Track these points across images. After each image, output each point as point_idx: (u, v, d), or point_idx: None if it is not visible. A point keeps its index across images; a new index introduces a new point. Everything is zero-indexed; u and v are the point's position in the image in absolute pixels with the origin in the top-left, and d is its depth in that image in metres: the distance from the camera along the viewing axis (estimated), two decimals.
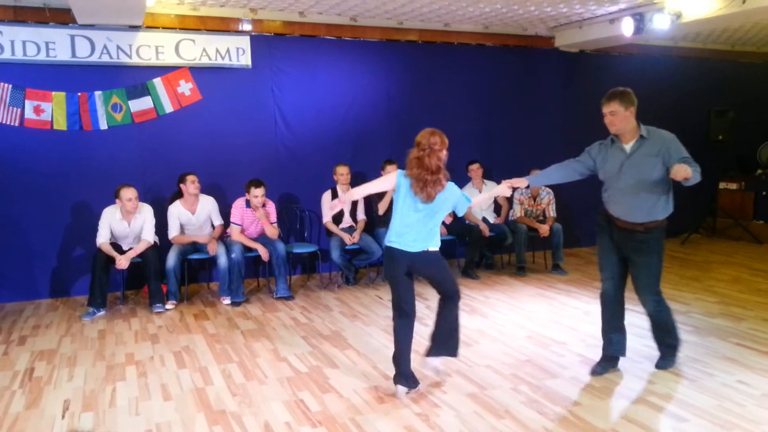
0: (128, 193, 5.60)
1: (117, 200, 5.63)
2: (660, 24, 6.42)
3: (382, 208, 6.67)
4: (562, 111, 8.21)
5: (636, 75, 8.51)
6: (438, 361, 4.12)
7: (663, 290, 6.22)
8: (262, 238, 6.16)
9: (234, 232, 6.07)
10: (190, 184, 5.93)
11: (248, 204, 6.07)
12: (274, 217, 6.22)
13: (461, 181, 7.29)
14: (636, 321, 5.10)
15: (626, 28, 6.77)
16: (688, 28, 7.20)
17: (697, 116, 8.75)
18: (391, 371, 4.09)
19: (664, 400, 3.59)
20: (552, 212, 7.07)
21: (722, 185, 9.13)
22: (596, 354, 4.35)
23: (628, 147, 3.85)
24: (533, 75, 8.02)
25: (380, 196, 6.71)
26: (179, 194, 6.00)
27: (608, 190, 3.96)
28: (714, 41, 8.78)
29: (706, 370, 4.04)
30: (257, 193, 5.94)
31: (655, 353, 4.34)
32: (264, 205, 6.06)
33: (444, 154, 3.71)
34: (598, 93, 8.85)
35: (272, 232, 6.09)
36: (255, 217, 6.06)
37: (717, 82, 9.01)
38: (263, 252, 5.98)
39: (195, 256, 5.96)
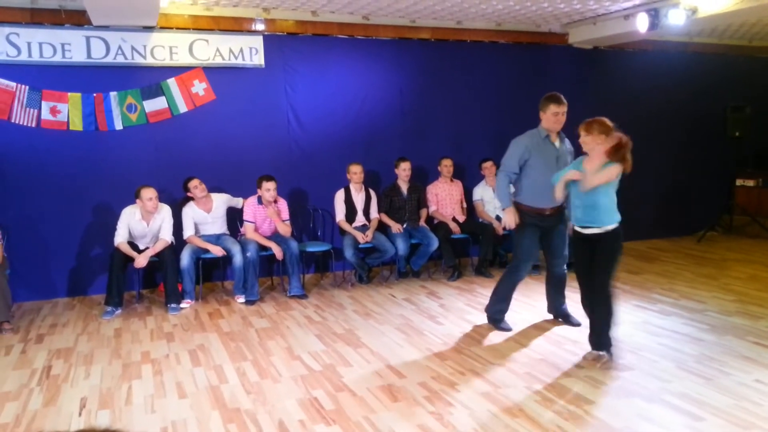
0: (149, 193, 5.65)
1: (137, 200, 5.68)
2: (675, 19, 6.35)
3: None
4: (576, 108, 8.03)
5: (651, 71, 8.46)
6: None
7: (679, 288, 6.21)
8: (275, 236, 6.19)
9: (248, 229, 6.11)
10: (194, 189, 5.98)
11: (260, 201, 6.11)
12: (286, 215, 6.25)
13: (474, 179, 7.30)
14: (651, 319, 5.08)
15: (641, 24, 6.71)
16: (704, 24, 7.11)
17: (714, 112, 8.65)
18: (405, 369, 4.10)
19: (680, 399, 3.56)
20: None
21: (739, 182, 9.01)
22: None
23: (556, 143, 4.73)
24: (547, 72, 7.96)
25: (392, 206, 6.72)
26: (189, 197, 6.06)
27: (534, 180, 4.61)
28: (731, 36, 8.67)
29: (722, 369, 4.00)
30: (269, 187, 5.98)
31: (672, 352, 4.31)
32: (275, 202, 6.10)
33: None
34: (612, 90, 8.82)
35: (284, 229, 6.11)
36: (267, 214, 6.09)
37: (734, 78, 8.89)
38: (277, 251, 6.01)
39: (209, 255, 5.99)
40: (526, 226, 4.72)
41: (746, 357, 4.19)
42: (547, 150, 4.68)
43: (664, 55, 8.47)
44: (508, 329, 4.88)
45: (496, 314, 4.97)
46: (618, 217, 4.10)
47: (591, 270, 4.15)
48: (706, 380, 3.82)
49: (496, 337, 4.75)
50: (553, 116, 4.65)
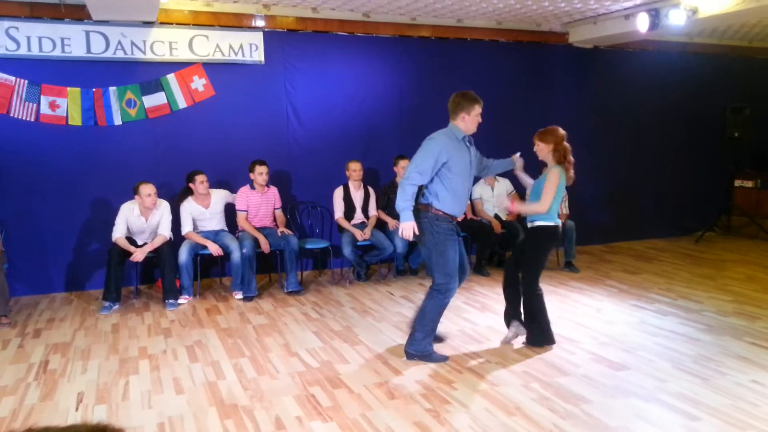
0: (147, 189, 5.65)
1: (136, 196, 5.68)
2: (676, 20, 6.35)
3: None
4: (575, 107, 8.15)
5: (651, 71, 8.46)
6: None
7: (677, 288, 6.21)
8: (268, 229, 6.22)
9: (240, 218, 6.13)
10: (200, 185, 5.98)
11: (253, 186, 6.16)
12: (278, 202, 6.39)
13: None
14: (648, 319, 5.08)
15: (641, 23, 6.70)
16: (704, 24, 7.12)
17: (713, 113, 8.66)
18: (402, 366, 4.11)
19: (676, 398, 3.57)
20: (565, 209, 7.03)
21: (738, 183, 9.02)
22: (608, 352, 4.34)
23: (471, 147, 4.37)
24: (547, 71, 7.96)
25: (390, 203, 6.70)
26: (189, 191, 6.05)
27: (455, 185, 4.14)
28: (731, 37, 8.67)
29: (719, 369, 4.00)
30: (261, 171, 6.11)
31: (669, 352, 4.32)
32: (268, 187, 6.25)
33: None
34: (612, 89, 8.80)
35: (281, 218, 6.35)
36: (261, 199, 6.20)
37: (733, 79, 8.89)
38: (264, 244, 6.03)
39: (207, 252, 5.99)
40: (447, 237, 4.12)
41: (743, 357, 4.20)
42: (463, 153, 4.23)
43: (664, 56, 8.47)
44: (445, 359, 4.22)
45: (427, 347, 4.21)
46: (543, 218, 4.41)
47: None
48: (703, 380, 3.82)
49: (493, 335, 4.75)
50: (477, 117, 4.30)
